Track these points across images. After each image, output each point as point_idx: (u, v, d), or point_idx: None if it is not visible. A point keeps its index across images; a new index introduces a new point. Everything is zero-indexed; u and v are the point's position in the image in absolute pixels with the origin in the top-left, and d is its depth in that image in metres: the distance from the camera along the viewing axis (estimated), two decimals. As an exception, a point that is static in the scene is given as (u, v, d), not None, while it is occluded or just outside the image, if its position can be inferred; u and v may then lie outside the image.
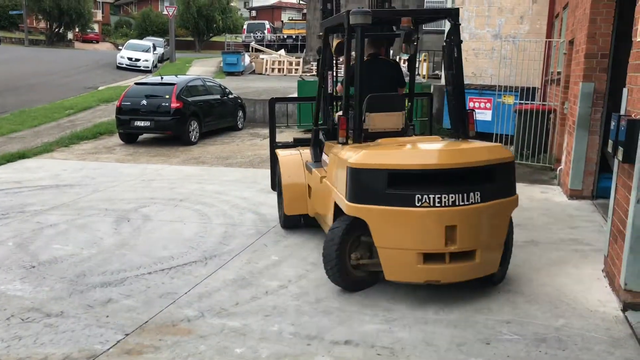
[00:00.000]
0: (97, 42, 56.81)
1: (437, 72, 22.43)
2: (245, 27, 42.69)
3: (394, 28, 6.07)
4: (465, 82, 14.22)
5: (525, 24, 13.68)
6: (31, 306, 4.41)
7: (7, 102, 18.23)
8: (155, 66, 32.71)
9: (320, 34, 6.22)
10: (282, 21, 52.01)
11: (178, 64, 32.29)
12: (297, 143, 6.94)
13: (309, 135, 6.59)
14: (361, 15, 4.65)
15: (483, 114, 12.40)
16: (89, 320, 4.17)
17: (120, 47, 40.18)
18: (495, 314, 4.28)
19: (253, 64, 29.61)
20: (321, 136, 5.96)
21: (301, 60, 28.29)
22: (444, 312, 4.30)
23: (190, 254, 5.58)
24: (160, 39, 39.98)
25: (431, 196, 4.15)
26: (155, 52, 33.74)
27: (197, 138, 12.73)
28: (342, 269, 4.56)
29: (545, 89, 12.39)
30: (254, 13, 61.63)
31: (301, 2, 46.18)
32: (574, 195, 7.71)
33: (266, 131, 7.70)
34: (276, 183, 6.65)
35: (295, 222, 6.29)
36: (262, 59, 29.46)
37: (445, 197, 4.16)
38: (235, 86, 18.97)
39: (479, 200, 4.27)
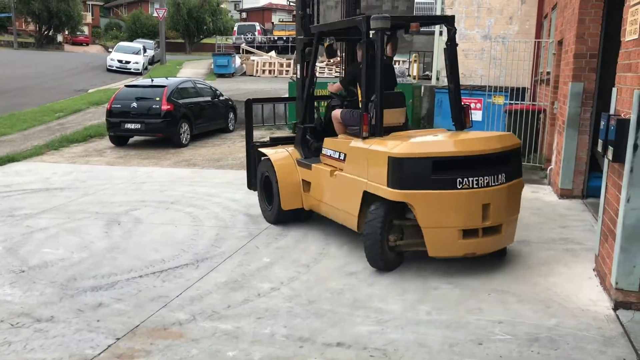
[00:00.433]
0: (87, 44, 56.45)
1: (427, 72, 22.49)
2: (235, 29, 42.59)
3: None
4: (456, 82, 14.14)
5: (514, 24, 13.75)
6: (21, 311, 4.38)
7: (-4, 105, 18.10)
8: (146, 68, 32.60)
9: (302, 37, 6.59)
10: (273, 23, 51.92)
11: (168, 66, 32.20)
12: (274, 142, 7.15)
13: (287, 134, 6.84)
14: (381, 20, 5.18)
15: (473, 115, 12.35)
16: (80, 325, 4.14)
17: (110, 50, 40.00)
18: (486, 314, 4.29)
19: (244, 65, 29.58)
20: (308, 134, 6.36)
21: (292, 61, 28.24)
22: (435, 313, 4.31)
23: (182, 257, 5.56)
24: (151, 41, 39.83)
25: (470, 179, 4.77)
26: (145, 55, 33.63)
27: (188, 140, 12.69)
28: (382, 250, 5.02)
29: (535, 89, 12.45)
30: (244, 15, 61.55)
31: (291, 3, 46.16)
32: (564, 194, 7.75)
33: (257, 133, 7.73)
34: (256, 181, 6.96)
35: (288, 217, 6.51)
36: (253, 60, 29.43)
37: (480, 179, 4.81)
38: (226, 88, 18.94)
39: (504, 181, 4.97)
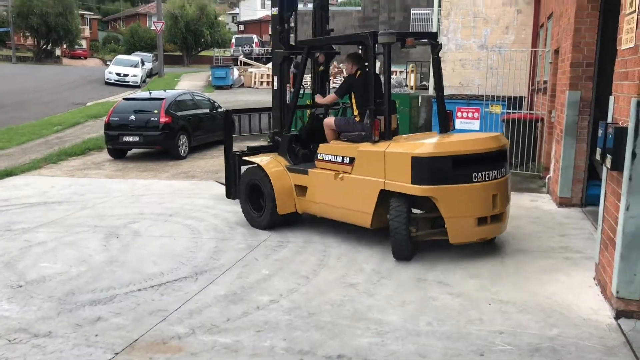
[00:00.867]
0: (85, 58, 56.67)
1: (424, 82, 22.56)
2: (233, 41, 42.77)
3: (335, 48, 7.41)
4: (453, 92, 14.38)
5: (510, 34, 13.82)
6: (18, 327, 4.34)
7: (-6, 119, 18.12)
8: (144, 81, 32.69)
9: (281, 50, 7.02)
10: (270, 35, 52.20)
11: (167, 79, 32.30)
12: (252, 151, 7.37)
13: (262, 144, 7.48)
14: (387, 35, 5.75)
15: (471, 124, 12.45)
16: (78, 340, 4.10)
17: (108, 63, 40.18)
18: (487, 324, 4.27)
19: (242, 77, 29.69)
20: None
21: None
22: (436, 324, 4.28)
23: (181, 270, 5.53)
24: (149, 54, 40.03)
25: (482, 173, 5.49)
26: (143, 67, 33.75)
27: (187, 152, 12.68)
28: (408, 241, 5.59)
29: (532, 98, 12.48)
30: (242, 27, 61.80)
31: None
32: (563, 203, 7.74)
33: (255, 144, 7.83)
34: (236, 190, 7.26)
35: (281, 221, 6.79)
36: (251, 72, 29.55)
37: (490, 173, 5.54)
38: (225, 100, 18.99)
39: (504, 174, 5.73)
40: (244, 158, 7.18)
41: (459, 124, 12.51)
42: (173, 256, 5.94)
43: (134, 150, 13.09)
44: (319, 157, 6.46)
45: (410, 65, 22.18)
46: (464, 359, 3.78)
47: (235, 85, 28.73)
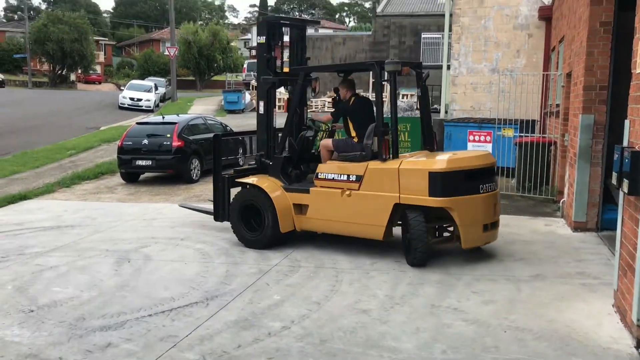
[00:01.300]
0: (100, 83, 57.48)
1: (435, 106, 22.58)
2: (245, 66, 43.22)
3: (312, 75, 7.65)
4: (464, 115, 14.33)
5: (521, 57, 13.83)
6: (29, 352, 4.32)
7: (10, 143, 18.33)
8: (157, 106, 33.02)
9: (268, 77, 7.32)
10: (282, 60, 52.67)
11: (179, 103, 32.61)
12: (240, 173, 7.63)
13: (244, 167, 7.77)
14: (393, 64, 6.34)
15: (483, 147, 12.40)
16: (88, 366, 4.06)
17: (122, 88, 40.64)
18: (503, 352, 4.17)
19: (253, 101, 29.86)
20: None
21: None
22: (451, 352, 4.20)
23: (192, 295, 5.49)
24: (162, 79, 40.47)
25: (486, 185, 6.25)
26: (157, 92, 34.11)
27: (199, 176, 12.72)
28: (427, 249, 6.17)
29: (544, 122, 12.43)
30: (254, 52, 62.43)
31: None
32: (578, 227, 7.63)
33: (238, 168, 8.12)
34: (226, 212, 7.42)
35: (280, 240, 7.03)
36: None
37: (490, 185, 6.31)
38: (237, 124, 19.10)
39: (497, 187, 6.55)
40: (237, 180, 7.35)
41: (470, 147, 12.47)
42: (184, 281, 5.91)
43: (147, 174, 13.16)
44: (319, 177, 6.79)
45: (422, 89, 22.23)
46: (480, 388, 3.68)
47: (247, 109, 28.93)
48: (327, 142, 7.17)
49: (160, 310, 5.10)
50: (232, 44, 55.18)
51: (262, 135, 7.47)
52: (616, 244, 4.84)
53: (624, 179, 4.36)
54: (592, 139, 7.40)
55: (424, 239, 6.09)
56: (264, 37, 7.31)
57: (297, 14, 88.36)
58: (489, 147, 12.08)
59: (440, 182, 5.99)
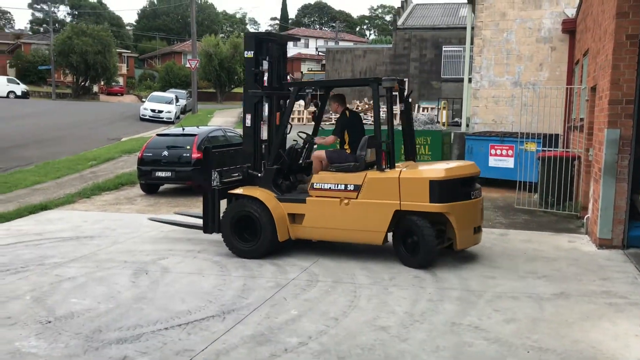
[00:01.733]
0: (122, 94, 58.27)
1: (456, 119, 22.44)
2: (265, 78, 43.53)
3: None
4: (486, 129, 14.20)
5: (544, 71, 13.69)
6: (45, 364, 4.29)
7: (32, 154, 18.57)
8: (178, 117, 33.31)
9: (257, 91, 7.50)
10: (302, 72, 52.96)
11: (200, 115, 32.87)
12: (228, 185, 7.67)
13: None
14: (389, 81, 6.83)
15: (505, 161, 12.25)
16: (103, 380, 4.02)
17: (143, 99, 41.15)
18: (527, 373, 4.05)
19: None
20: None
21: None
22: (472, 372, 4.08)
23: (208, 308, 5.44)
24: (183, 91, 40.90)
25: (475, 192, 6.88)
26: (177, 104, 34.43)
27: (218, 188, 12.71)
28: (435, 252, 6.57)
29: (567, 136, 12.25)
30: (274, 65, 62.79)
31: (320, 53, 47.03)
32: (603, 244, 7.46)
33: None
34: (215, 224, 7.48)
35: (275, 249, 7.22)
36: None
37: (477, 192, 6.94)
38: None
39: (481, 193, 7.14)
40: (230, 192, 7.45)
41: (492, 161, 12.33)
42: (201, 294, 5.87)
43: (166, 186, 13.21)
44: (315, 187, 7.08)
45: (443, 102, 22.14)
46: (503, 411, 3.57)
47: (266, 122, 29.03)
48: (321, 154, 7.43)
49: (177, 324, 5.06)
50: (252, 56, 55.54)
51: (249, 148, 7.60)
52: (644, 262, 4.69)
53: (653, 196, 4.23)
54: (617, 153, 7.25)
55: (432, 243, 6.46)
56: (252, 52, 7.50)
57: (317, 26, 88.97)
58: (510, 162, 11.93)
59: (439, 190, 6.44)
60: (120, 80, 60.56)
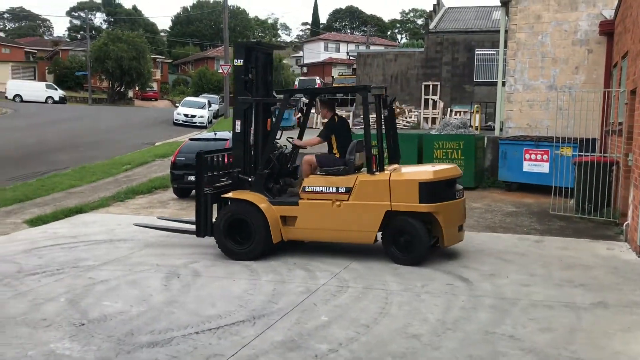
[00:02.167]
0: (156, 99, 59.21)
1: (489, 123, 22.12)
2: (296, 83, 43.61)
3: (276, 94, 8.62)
4: (520, 133, 13.92)
5: (580, 74, 13.37)
6: (78, 367, 4.34)
7: (69, 158, 18.98)
8: (210, 122, 33.66)
9: (247, 97, 7.66)
10: (332, 77, 52.94)
11: (232, 120, 33.05)
12: (219, 189, 7.80)
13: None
14: (378, 88, 7.63)
15: (540, 166, 12.01)
16: (134, 383, 4.04)
17: (177, 104, 41.69)
18: (564, 386, 3.92)
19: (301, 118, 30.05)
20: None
21: (351, 113, 28.51)
22: (507, 383, 3.97)
23: (239, 313, 5.44)
24: (215, 96, 41.32)
25: (458, 192, 7.28)
26: (210, 109, 34.78)
27: (249, 192, 12.76)
28: (428, 249, 6.96)
29: (605, 140, 11.93)
30: (305, 69, 63.14)
31: (351, 57, 46.99)
32: (643, 252, 7.22)
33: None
34: (208, 228, 7.59)
35: (270, 250, 7.41)
36: (312, 113, 29.87)
37: (460, 192, 7.33)
38: (285, 141, 19.15)
39: (464, 194, 7.54)
40: (223, 196, 7.59)
41: (526, 166, 12.09)
42: (231, 298, 5.87)
43: (198, 190, 13.29)
44: (306, 190, 7.31)
45: (475, 105, 21.85)
46: None
47: (296, 126, 29.10)
48: (311, 158, 7.64)
49: (207, 328, 5.07)
50: (284, 61, 55.89)
51: (239, 153, 7.77)
52: (688, 272, 4.51)
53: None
54: (658, 159, 7.01)
55: (426, 241, 6.82)
56: (242, 60, 7.66)
57: (349, 31, 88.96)
58: (545, 166, 11.68)
59: (427, 191, 6.79)
60: (154, 85, 61.56)
